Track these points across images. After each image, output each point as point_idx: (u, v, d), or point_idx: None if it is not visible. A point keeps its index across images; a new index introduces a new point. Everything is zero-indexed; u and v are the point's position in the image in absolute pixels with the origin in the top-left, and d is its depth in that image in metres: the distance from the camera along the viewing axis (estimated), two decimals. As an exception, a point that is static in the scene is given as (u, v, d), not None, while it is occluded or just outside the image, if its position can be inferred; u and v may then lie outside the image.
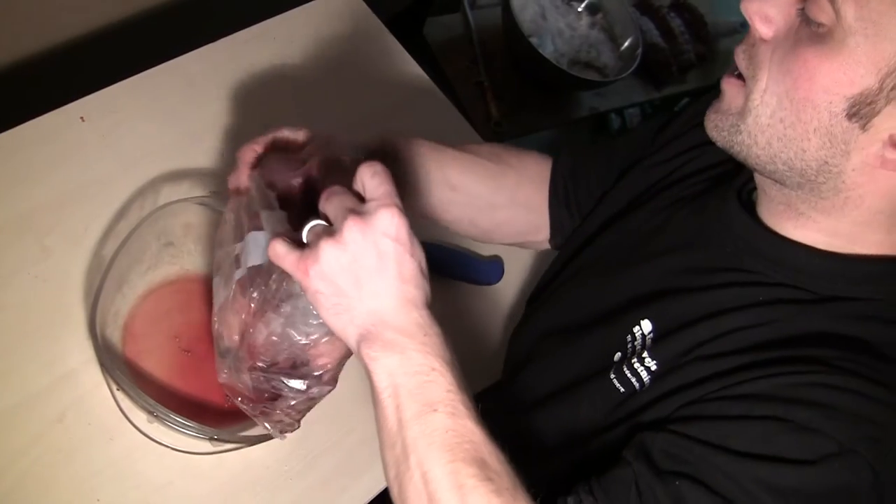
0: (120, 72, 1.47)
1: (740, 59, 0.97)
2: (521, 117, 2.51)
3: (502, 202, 1.44)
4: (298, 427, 1.13)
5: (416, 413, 0.92)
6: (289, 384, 1.08)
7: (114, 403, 1.19)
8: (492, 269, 1.62)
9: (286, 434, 1.13)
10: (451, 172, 1.38)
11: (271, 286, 1.03)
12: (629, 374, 1.07)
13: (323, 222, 0.97)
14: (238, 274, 1.07)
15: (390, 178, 0.95)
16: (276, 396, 1.10)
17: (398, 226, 0.91)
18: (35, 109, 1.38)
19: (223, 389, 1.12)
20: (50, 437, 1.18)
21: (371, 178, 0.95)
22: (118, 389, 1.15)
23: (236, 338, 1.09)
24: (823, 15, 0.86)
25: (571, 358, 1.20)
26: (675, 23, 2.84)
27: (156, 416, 1.12)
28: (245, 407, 1.11)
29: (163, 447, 1.19)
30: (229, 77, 1.58)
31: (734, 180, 1.11)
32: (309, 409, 1.13)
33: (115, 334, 1.24)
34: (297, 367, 1.08)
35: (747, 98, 0.95)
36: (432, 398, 0.92)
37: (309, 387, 1.09)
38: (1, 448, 1.15)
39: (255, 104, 1.53)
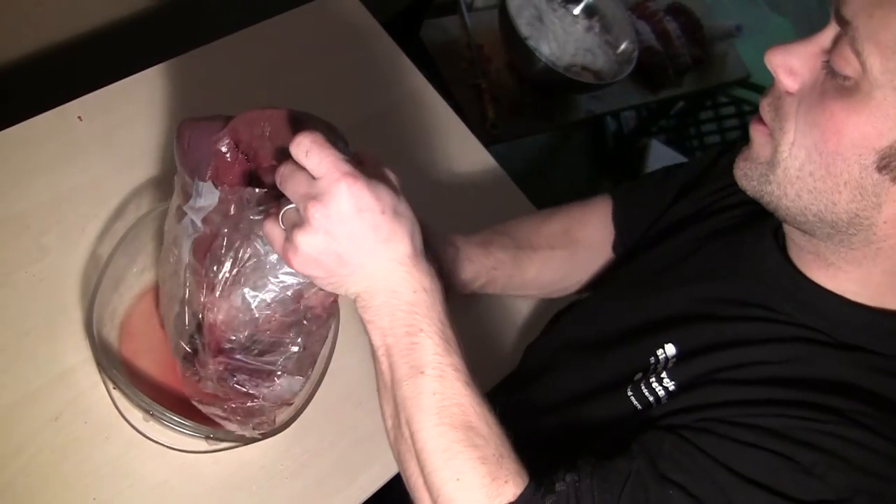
0: (118, 72, 1.47)
1: (765, 111, 0.96)
2: (518, 119, 2.52)
3: (570, 283, 1.48)
4: (276, 426, 1.12)
5: (405, 374, 0.96)
6: (254, 380, 1.09)
7: (110, 402, 1.19)
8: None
9: (260, 435, 1.13)
10: (529, 272, 1.41)
11: (233, 255, 1.02)
12: (646, 391, 1.07)
13: (294, 206, 0.95)
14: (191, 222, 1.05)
15: (325, 147, 0.91)
16: (244, 392, 1.10)
17: (355, 195, 0.90)
18: (32, 109, 1.38)
19: (191, 397, 1.13)
20: (46, 435, 1.18)
21: (307, 159, 0.91)
22: (114, 388, 1.15)
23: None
24: (849, 68, 0.85)
25: (590, 371, 1.20)
26: (671, 26, 2.86)
27: (152, 415, 1.12)
28: (212, 409, 1.12)
29: (159, 446, 1.19)
30: (227, 78, 1.58)
31: (771, 218, 1.09)
32: (288, 404, 1.13)
33: (111, 333, 1.24)
34: (260, 355, 1.07)
35: (775, 150, 0.94)
36: (420, 361, 0.95)
37: (279, 377, 1.09)
38: (-3, 446, 1.16)
39: (252, 105, 1.53)
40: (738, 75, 3.07)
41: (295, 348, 1.08)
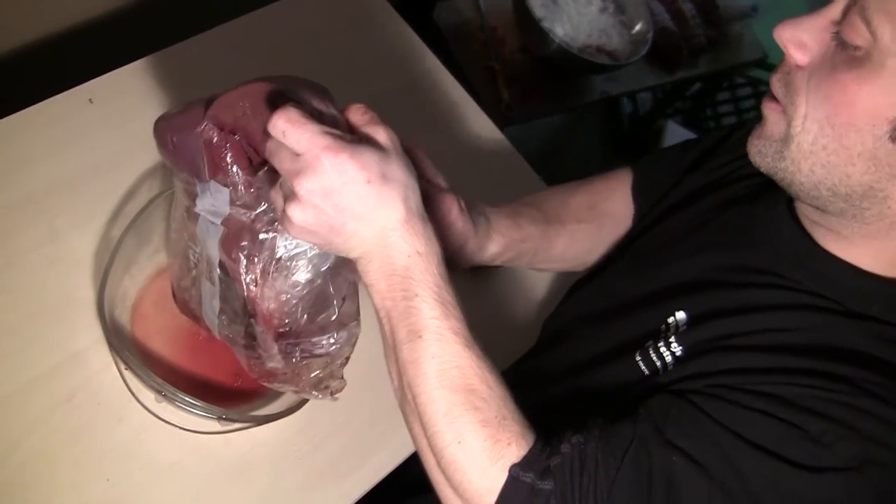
0: (128, 54, 1.47)
1: (776, 87, 0.96)
2: (532, 101, 2.51)
3: (593, 257, 1.47)
4: (345, 383, 1.13)
5: (404, 337, 0.98)
6: (318, 341, 1.08)
7: (122, 384, 1.19)
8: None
9: (337, 395, 1.13)
10: (557, 246, 1.40)
11: (262, 246, 1.03)
12: (654, 356, 1.07)
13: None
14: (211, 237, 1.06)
15: (300, 124, 0.91)
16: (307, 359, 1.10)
17: (338, 168, 0.90)
18: (44, 92, 1.38)
19: (261, 380, 1.13)
20: (58, 416, 1.18)
21: (286, 139, 0.92)
22: (126, 369, 1.15)
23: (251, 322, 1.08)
24: (859, 38, 0.84)
25: (601, 339, 1.20)
26: (686, 7, 2.84)
27: (164, 396, 1.13)
28: (286, 386, 1.12)
29: (171, 427, 1.20)
30: (238, 60, 1.58)
31: None
32: (347, 357, 1.12)
33: (123, 315, 1.24)
34: (315, 321, 1.07)
35: (788, 125, 0.93)
36: (417, 325, 0.97)
37: (337, 332, 1.09)
38: (10, 428, 1.16)
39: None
40: (754, 56, 3.06)
41: (336, 302, 1.08)
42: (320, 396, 1.11)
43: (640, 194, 1.44)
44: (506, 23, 2.58)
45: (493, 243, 1.28)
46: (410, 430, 1.03)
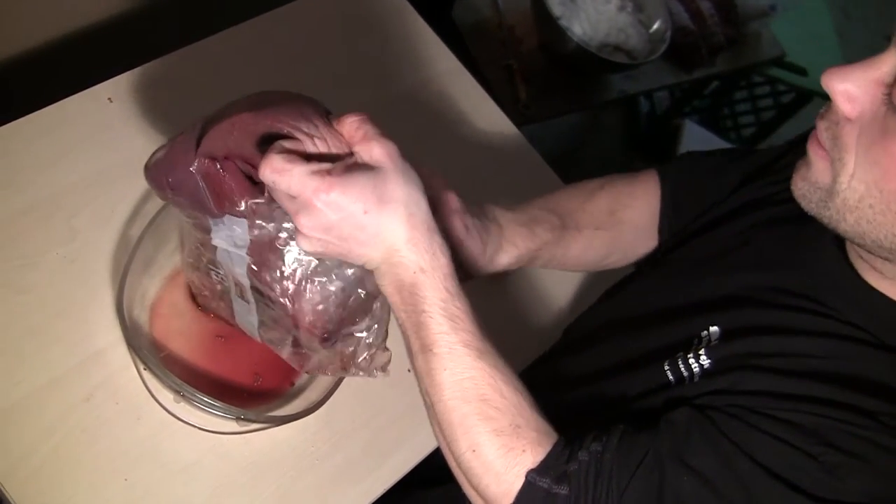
0: (147, 54, 1.47)
1: (823, 135, 0.92)
2: (550, 100, 2.51)
3: (611, 261, 1.46)
4: (391, 353, 1.13)
5: (418, 348, 1.00)
6: (359, 326, 1.10)
7: (141, 384, 1.19)
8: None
9: (388, 369, 1.14)
10: (573, 252, 1.38)
11: (290, 263, 1.04)
12: (682, 367, 1.06)
13: None
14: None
15: (286, 171, 0.91)
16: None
17: (332, 206, 0.92)
18: (63, 91, 1.38)
19: (310, 372, 1.18)
20: (77, 416, 1.19)
21: (277, 187, 0.93)
22: (145, 369, 1.15)
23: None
24: None
25: (631, 345, 1.19)
26: (705, 5, 2.83)
27: (183, 396, 1.13)
28: (337, 372, 1.15)
29: (190, 427, 1.20)
30: (256, 58, 1.58)
31: None
32: (386, 331, 1.14)
33: (142, 315, 1.24)
34: (351, 310, 1.08)
35: (834, 179, 0.90)
36: (427, 339, 0.98)
37: (372, 316, 1.11)
38: (29, 427, 1.16)
39: (281, 85, 1.53)
40: (772, 54, 3.04)
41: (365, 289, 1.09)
42: (371, 375, 1.13)
43: (671, 204, 1.41)
44: (524, 21, 2.57)
45: (506, 255, 1.26)
46: (433, 428, 1.04)
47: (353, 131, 0.97)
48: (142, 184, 1.33)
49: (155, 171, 1.04)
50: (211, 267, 1.12)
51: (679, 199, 1.40)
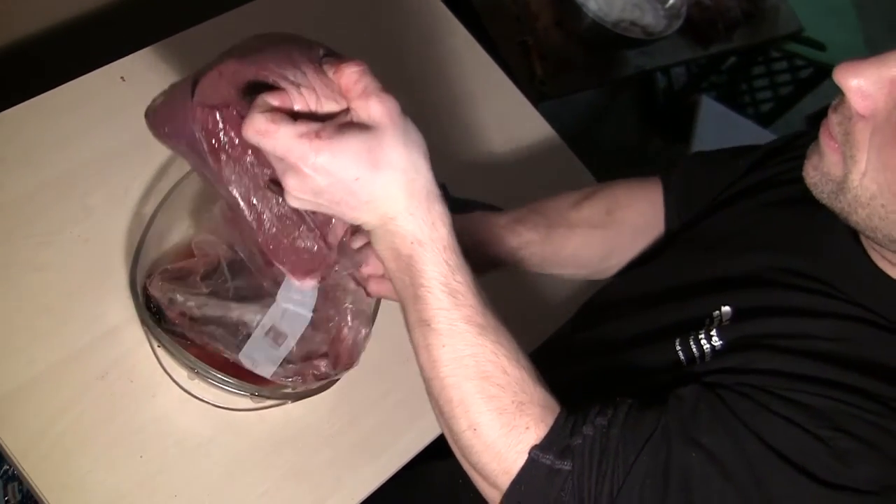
0: (159, 32, 1.47)
1: (835, 129, 0.90)
2: (566, 76, 2.49)
3: (613, 263, 1.44)
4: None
5: (415, 321, 0.96)
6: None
7: (155, 361, 1.19)
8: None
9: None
10: (567, 251, 1.38)
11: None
12: (693, 346, 1.05)
13: None
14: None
15: (271, 133, 0.85)
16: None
17: (320, 171, 0.86)
18: (75, 70, 1.39)
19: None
20: (93, 394, 1.19)
21: (261, 147, 0.87)
22: (159, 346, 1.15)
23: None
24: None
25: (644, 322, 1.18)
26: (722, -20, 2.81)
27: (197, 373, 1.13)
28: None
29: (204, 404, 1.20)
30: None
31: None
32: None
33: (156, 292, 1.24)
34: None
35: (846, 175, 0.89)
36: (426, 314, 0.94)
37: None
38: (45, 405, 1.17)
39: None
40: (790, 29, 3.02)
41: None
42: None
43: (680, 196, 1.40)
44: (539, -3, 2.56)
45: (485, 255, 1.28)
46: (431, 403, 1.01)
47: (352, 84, 0.90)
48: (155, 162, 1.34)
49: (153, 119, 1.00)
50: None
51: (689, 189, 1.39)
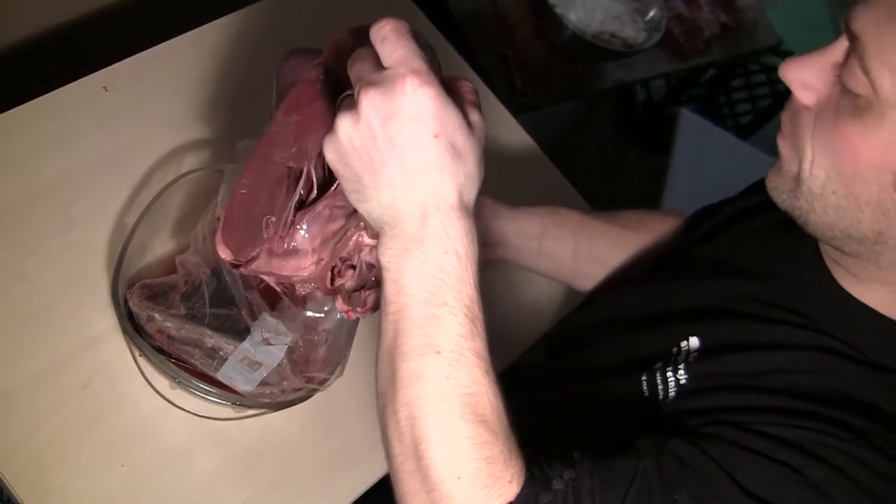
0: (142, 42, 1.47)
1: (786, 125, 0.93)
2: (546, 88, 2.51)
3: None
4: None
5: (416, 348, 0.85)
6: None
7: (137, 370, 1.19)
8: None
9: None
10: (599, 247, 1.39)
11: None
12: (658, 380, 1.05)
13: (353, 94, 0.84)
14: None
15: (405, 38, 0.81)
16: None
17: (415, 100, 0.79)
18: (58, 80, 1.38)
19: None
20: (74, 403, 1.19)
21: (382, 46, 0.81)
22: (141, 356, 1.16)
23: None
24: (859, 86, 0.81)
25: (614, 349, 1.19)
26: (701, -7, 2.83)
27: (178, 383, 1.14)
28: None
29: (186, 413, 1.20)
30: (252, 46, 1.57)
31: None
32: None
33: (137, 301, 1.24)
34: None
35: (799, 167, 0.90)
36: (438, 339, 0.85)
37: None
38: (26, 414, 1.17)
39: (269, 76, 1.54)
40: (768, 42, 3.04)
41: None
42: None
43: (698, 213, 1.42)
44: (519, 9, 2.57)
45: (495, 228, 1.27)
46: (390, 446, 0.90)
47: (467, 91, 0.87)
48: (137, 172, 1.34)
49: (282, 66, 1.03)
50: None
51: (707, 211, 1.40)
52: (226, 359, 1.14)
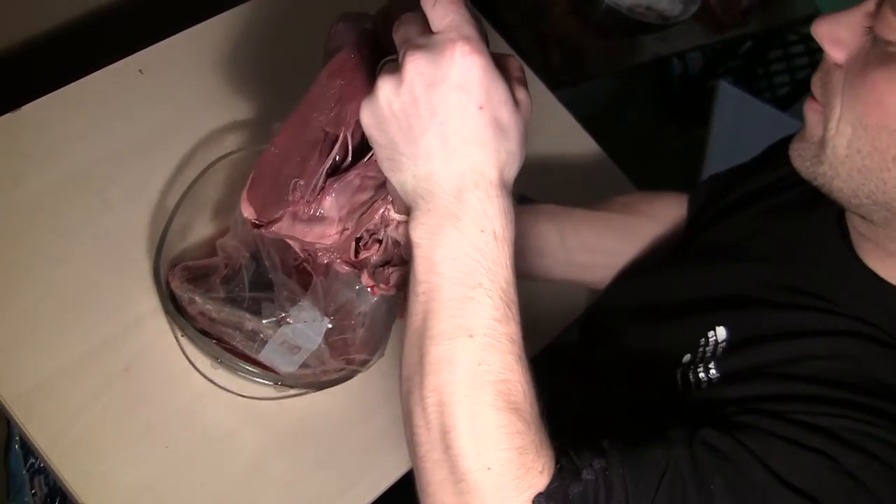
0: (177, 24, 1.47)
1: (816, 87, 0.91)
2: (582, 63, 2.49)
3: (644, 253, 1.41)
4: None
5: (447, 331, 0.81)
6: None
7: (178, 352, 1.20)
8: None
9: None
10: (587, 234, 1.36)
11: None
12: (691, 376, 1.03)
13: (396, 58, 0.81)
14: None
15: (459, 3, 0.78)
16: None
17: (463, 67, 0.75)
18: (93, 64, 1.39)
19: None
20: (117, 385, 1.19)
21: (433, 9, 0.78)
22: (183, 336, 1.16)
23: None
24: (891, 32, 0.80)
25: (644, 339, 1.18)
26: (737, -37, 2.80)
27: (220, 363, 1.14)
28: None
29: (228, 394, 1.20)
30: (289, 25, 1.57)
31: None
32: None
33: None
34: None
35: (825, 127, 0.88)
36: (471, 322, 0.81)
37: None
38: (70, 397, 1.17)
39: (317, 50, 1.53)
40: (806, 12, 3.00)
41: None
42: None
43: (702, 189, 1.40)
44: (553, -16, 2.56)
45: None
46: (414, 434, 0.86)
47: (515, 68, 0.84)
48: (175, 154, 1.34)
49: (332, 30, 1.01)
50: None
51: (712, 185, 1.39)
52: (266, 342, 1.14)
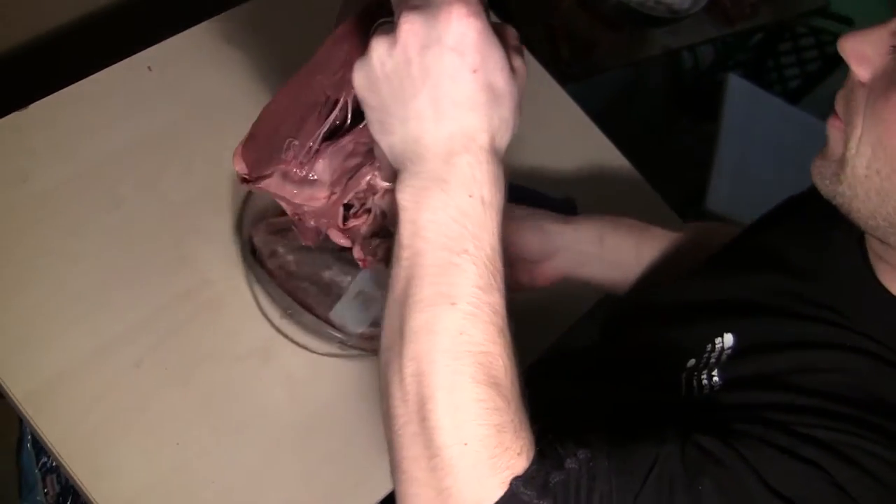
0: (185, 21, 1.48)
1: (839, 104, 0.89)
2: (592, 57, 2.49)
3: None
4: None
5: (427, 298, 0.79)
6: None
7: (189, 346, 1.22)
8: (565, 209, 1.59)
9: None
10: (660, 255, 1.37)
11: None
12: (694, 381, 1.02)
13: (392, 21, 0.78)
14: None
15: None
16: None
17: (458, 30, 0.73)
18: (102, 61, 1.39)
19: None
20: (128, 381, 1.21)
21: None
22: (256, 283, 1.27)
23: None
24: None
25: (656, 342, 1.16)
26: (747, -44, 2.79)
27: (290, 315, 1.24)
28: None
29: (236, 387, 1.24)
30: (297, 22, 1.56)
31: None
32: None
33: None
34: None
35: (846, 146, 0.87)
36: (453, 289, 0.79)
37: None
38: (81, 393, 1.18)
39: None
40: (816, 4, 3.00)
41: None
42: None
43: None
44: (563, -22, 2.56)
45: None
46: (391, 406, 0.83)
47: (512, 38, 0.82)
48: (184, 150, 1.34)
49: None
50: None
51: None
52: (340, 296, 1.18)
